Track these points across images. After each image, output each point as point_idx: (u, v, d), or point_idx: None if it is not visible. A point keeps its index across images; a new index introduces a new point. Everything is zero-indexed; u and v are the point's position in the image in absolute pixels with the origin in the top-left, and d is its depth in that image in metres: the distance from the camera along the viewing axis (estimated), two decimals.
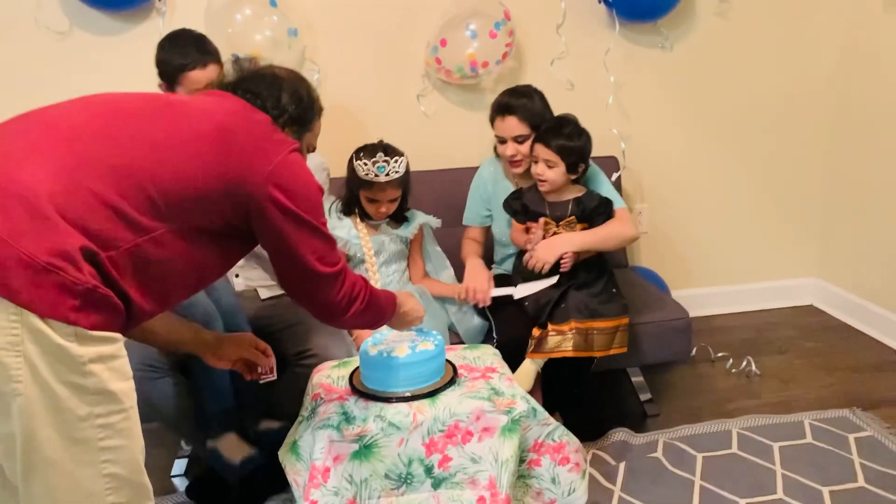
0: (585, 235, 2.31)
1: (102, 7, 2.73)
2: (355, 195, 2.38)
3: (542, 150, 2.27)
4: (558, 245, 2.27)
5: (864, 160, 3.22)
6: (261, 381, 1.82)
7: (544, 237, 2.31)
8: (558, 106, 2.76)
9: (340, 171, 2.48)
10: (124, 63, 2.77)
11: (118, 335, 1.22)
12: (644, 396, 2.69)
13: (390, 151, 2.32)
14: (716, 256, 3.45)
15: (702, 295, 3.46)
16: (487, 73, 2.95)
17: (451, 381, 1.86)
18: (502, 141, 2.42)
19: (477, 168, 2.67)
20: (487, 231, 2.62)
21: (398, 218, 2.45)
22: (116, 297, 1.20)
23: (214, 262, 1.43)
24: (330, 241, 1.51)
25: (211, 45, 2.27)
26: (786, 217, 3.46)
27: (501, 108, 2.39)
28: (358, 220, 2.43)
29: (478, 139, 2.75)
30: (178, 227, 1.31)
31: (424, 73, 3.00)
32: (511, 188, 2.49)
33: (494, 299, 2.36)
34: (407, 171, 2.36)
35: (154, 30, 2.79)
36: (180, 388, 2.07)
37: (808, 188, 3.43)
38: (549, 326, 2.21)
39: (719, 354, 3.01)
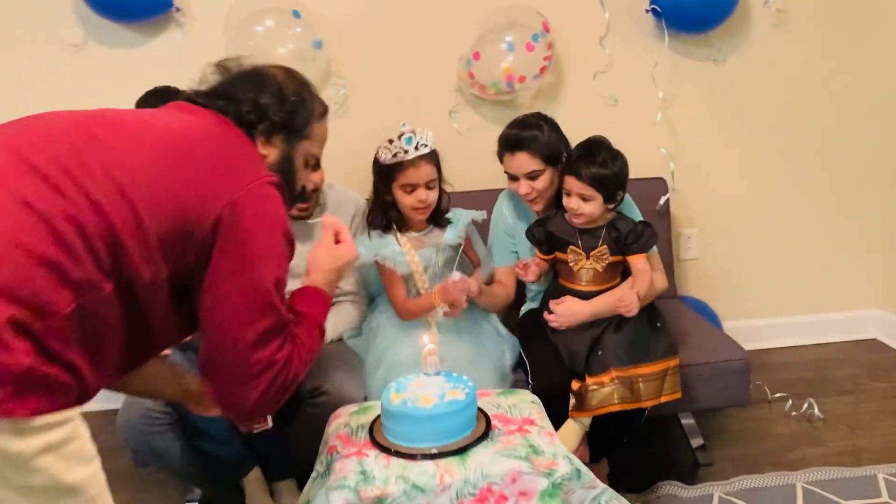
0: (615, 298, 2.07)
1: (118, 18, 2.59)
2: (388, 201, 2.17)
3: (574, 184, 2.03)
4: (581, 313, 2.06)
5: None
6: (254, 431, 1.63)
7: (574, 269, 2.10)
8: (601, 124, 2.53)
9: None
10: (140, 77, 2.62)
11: (69, 414, 1.00)
12: (696, 442, 2.44)
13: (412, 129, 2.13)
14: (770, 285, 3.19)
15: (755, 327, 3.20)
16: (524, 89, 2.75)
17: (484, 436, 1.65)
18: (513, 178, 2.19)
19: None
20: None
21: (440, 221, 2.23)
22: (62, 371, 0.99)
23: (170, 324, 1.21)
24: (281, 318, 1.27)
25: None
26: (847, 243, 3.18)
27: (509, 144, 2.16)
28: (398, 233, 2.21)
29: None
30: (125, 282, 1.09)
31: (457, 88, 2.81)
32: (534, 218, 2.27)
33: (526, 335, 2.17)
34: (436, 152, 2.15)
35: (172, 43, 2.64)
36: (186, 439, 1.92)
37: (873, 211, 3.16)
38: (588, 379, 1.99)
39: (777, 395, 2.75)
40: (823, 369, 3.01)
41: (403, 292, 2.21)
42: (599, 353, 1.99)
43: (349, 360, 2.09)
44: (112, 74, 2.63)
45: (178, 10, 2.59)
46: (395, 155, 2.09)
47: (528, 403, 1.82)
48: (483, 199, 2.66)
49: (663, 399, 2.01)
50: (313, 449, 1.81)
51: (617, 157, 2.04)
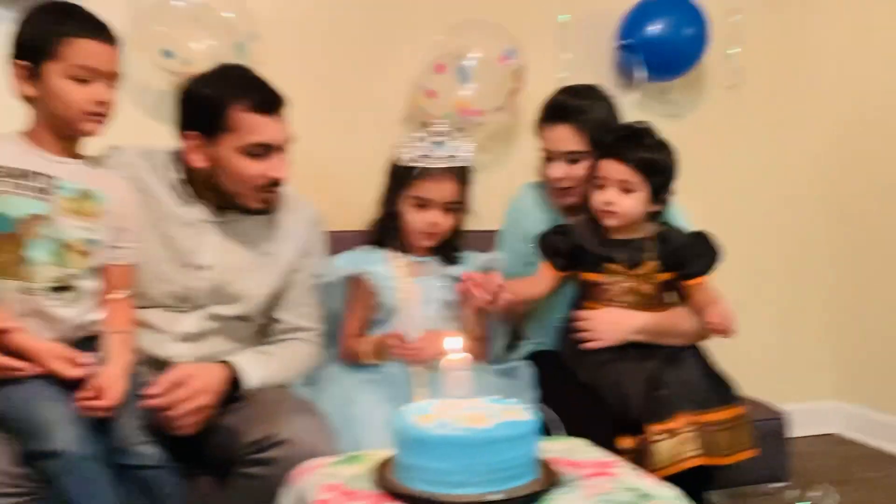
0: (667, 317, 1.65)
1: None
2: (393, 212, 1.66)
3: (614, 169, 1.62)
4: (625, 324, 1.60)
5: (872, 250, 2.83)
6: None
7: (613, 288, 1.63)
8: None
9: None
10: None
11: None
12: None
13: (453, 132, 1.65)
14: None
15: None
16: (481, 125, 2.38)
17: (554, 481, 1.08)
18: (549, 158, 1.77)
19: None
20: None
21: (448, 255, 1.70)
22: None
23: None
24: None
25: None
26: (793, 330, 2.96)
27: (552, 113, 1.77)
28: (392, 253, 1.68)
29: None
30: None
31: (405, 118, 2.39)
32: (556, 222, 1.82)
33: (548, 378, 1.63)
34: (471, 170, 1.67)
35: None
36: None
37: (823, 294, 2.98)
38: (651, 427, 1.48)
39: (782, 484, 2.32)
40: (802, 460, 2.66)
41: (360, 325, 1.65)
42: (664, 391, 1.50)
43: (308, 404, 1.45)
44: None
45: None
46: (416, 157, 1.61)
47: (585, 447, 1.28)
48: None
49: (746, 455, 1.54)
50: None
51: (667, 146, 1.66)
